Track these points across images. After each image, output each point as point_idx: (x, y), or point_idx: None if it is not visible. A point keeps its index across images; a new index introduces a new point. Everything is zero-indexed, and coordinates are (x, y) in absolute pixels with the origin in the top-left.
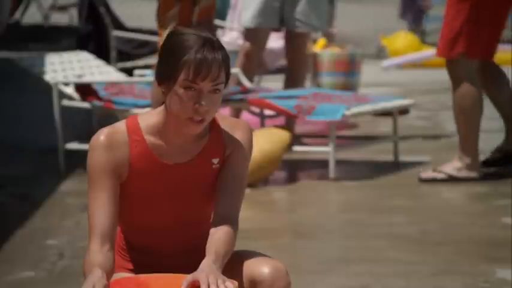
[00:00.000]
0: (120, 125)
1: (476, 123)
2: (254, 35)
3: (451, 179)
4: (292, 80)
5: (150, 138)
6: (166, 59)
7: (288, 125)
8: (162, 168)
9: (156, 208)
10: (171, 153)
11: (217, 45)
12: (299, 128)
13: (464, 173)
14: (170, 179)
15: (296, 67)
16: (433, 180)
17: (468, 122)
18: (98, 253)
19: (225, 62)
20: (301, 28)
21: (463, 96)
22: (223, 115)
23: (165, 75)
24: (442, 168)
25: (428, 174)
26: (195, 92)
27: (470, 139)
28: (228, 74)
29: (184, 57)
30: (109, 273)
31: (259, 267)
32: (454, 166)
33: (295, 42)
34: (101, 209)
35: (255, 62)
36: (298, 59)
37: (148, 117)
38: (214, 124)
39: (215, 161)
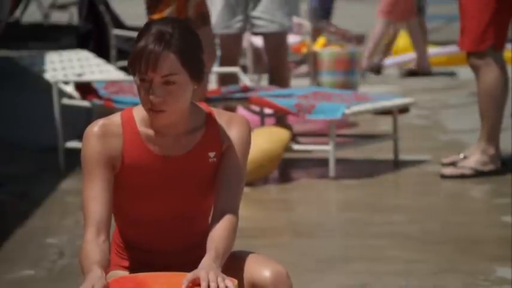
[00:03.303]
0: (115, 117)
1: (502, 112)
2: (224, 41)
3: (478, 174)
4: (275, 81)
5: (144, 130)
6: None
7: (281, 123)
8: (156, 161)
9: (151, 201)
10: (165, 145)
11: (167, 38)
12: (299, 127)
13: (490, 167)
14: (165, 172)
15: (276, 68)
16: (460, 177)
17: (499, 110)
18: (93, 244)
19: (180, 54)
20: (267, 28)
21: (494, 84)
22: (221, 110)
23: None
24: (464, 163)
25: (452, 170)
26: (148, 83)
27: (497, 129)
28: (190, 66)
29: (134, 45)
30: (106, 268)
31: (260, 271)
32: (478, 160)
33: (271, 45)
34: (96, 199)
35: (235, 65)
36: (277, 59)
37: (143, 110)
38: (210, 118)
39: (211, 154)
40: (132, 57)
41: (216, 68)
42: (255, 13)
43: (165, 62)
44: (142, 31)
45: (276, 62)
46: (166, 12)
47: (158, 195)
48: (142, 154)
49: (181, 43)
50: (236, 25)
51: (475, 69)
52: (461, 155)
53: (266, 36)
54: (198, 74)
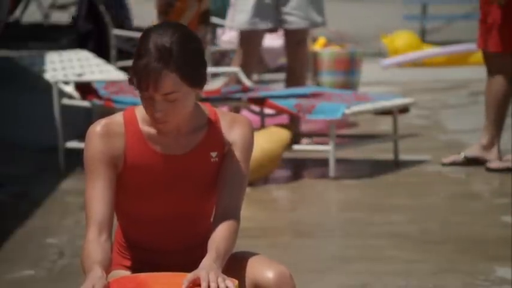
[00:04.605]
0: (117, 116)
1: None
2: (250, 38)
3: None
4: (293, 79)
5: (146, 129)
6: (134, 56)
7: (292, 123)
8: (158, 159)
9: (153, 200)
10: (167, 144)
11: (167, 56)
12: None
13: None
14: (167, 171)
15: (296, 66)
16: (505, 170)
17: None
18: (95, 243)
19: (180, 71)
20: (299, 24)
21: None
22: (225, 111)
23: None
24: (508, 157)
25: (499, 164)
26: (149, 99)
27: None
28: (191, 79)
29: (135, 64)
30: (107, 267)
31: (263, 272)
32: None
33: (294, 40)
34: (98, 198)
35: (253, 64)
36: (299, 57)
37: None
38: (213, 118)
39: (213, 154)
40: (133, 74)
41: (216, 68)
42: (286, 9)
43: (165, 82)
44: (141, 42)
45: (295, 57)
46: (187, 14)
47: (160, 194)
48: (145, 153)
49: (180, 59)
50: (266, 22)
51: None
52: (462, 154)
53: (291, 32)
54: (199, 81)
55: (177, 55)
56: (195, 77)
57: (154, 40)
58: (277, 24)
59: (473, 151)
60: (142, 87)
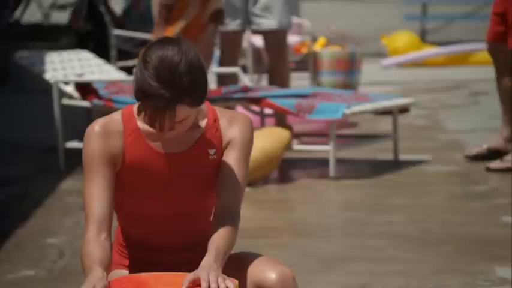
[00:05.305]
0: (116, 115)
1: None
2: (224, 38)
3: None
4: (274, 81)
5: (144, 127)
6: (136, 84)
7: (280, 124)
8: (157, 157)
9: (153, 198)
10: (166, 142)
11: (180, 91)
12: (300, 127)
13: None
14: (166, 169)
15: (276, 67)
16: (505, 170)
17: None
18: (95, 242)
19: (192, 101)
20: (268, 26)
21: None
22: (223, 109)
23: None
24: (508, 157)
25: (498, 164)
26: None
27: None
28: (200, 103)
29: (144, 100)
30: (107, 266)
31: (266, 273)
32: None
33: (271, 41)
34: (97, 196)
35: (234, 64)
36: (277, 58)
37: None
38: (211, 116)
39: (212, 151)
40: (143, 110)
41: (216, 68)
42: (255, 10)
43: (179, 114)
44: (144, 73)
45: (276, 61)
46: (187, 12)
47: (159, 192)
48: (143, 151)
49: (191, 89)
50: (236, 22)
51: None
52: (485, 146)
53: (266, 34)
54: (204, 99)
55: (188, 86)
56: (204, 97)
57: (160, 73)
58: (247, 25)
59: (496, 143)
60: (157, 128)
